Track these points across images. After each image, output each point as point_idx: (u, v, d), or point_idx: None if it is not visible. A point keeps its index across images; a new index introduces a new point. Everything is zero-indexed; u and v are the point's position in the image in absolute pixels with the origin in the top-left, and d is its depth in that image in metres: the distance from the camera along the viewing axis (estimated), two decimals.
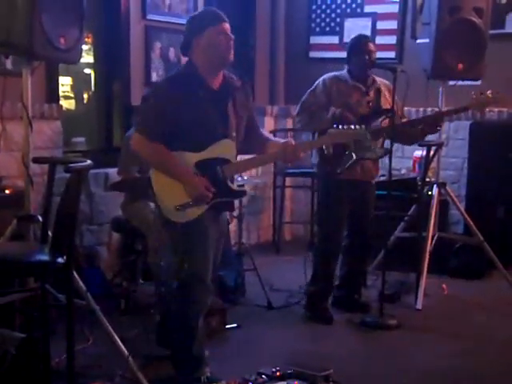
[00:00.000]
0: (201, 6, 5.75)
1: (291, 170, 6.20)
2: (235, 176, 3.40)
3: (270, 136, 3.45)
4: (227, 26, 3.15)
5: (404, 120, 4.45)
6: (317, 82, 4.37)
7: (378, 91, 4.38)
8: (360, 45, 4.32)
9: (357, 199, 4.39)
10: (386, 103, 4.36)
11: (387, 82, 4.39)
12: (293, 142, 3.28)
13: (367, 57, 4.27)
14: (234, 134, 3.18)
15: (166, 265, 3.41)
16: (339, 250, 4.46)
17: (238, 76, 3.28)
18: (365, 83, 4.35)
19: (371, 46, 4.34)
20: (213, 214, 3.22)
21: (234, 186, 3.24)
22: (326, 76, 4.38)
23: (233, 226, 5.28)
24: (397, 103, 4.27)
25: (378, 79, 4.42)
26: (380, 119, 4.32)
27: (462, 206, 5.29)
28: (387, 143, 4.34)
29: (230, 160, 3.18)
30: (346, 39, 5.86)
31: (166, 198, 3.14)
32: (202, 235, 3.16)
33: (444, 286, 4.98)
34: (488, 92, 4.44)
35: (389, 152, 4.34)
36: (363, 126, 3.24)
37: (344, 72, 4.39)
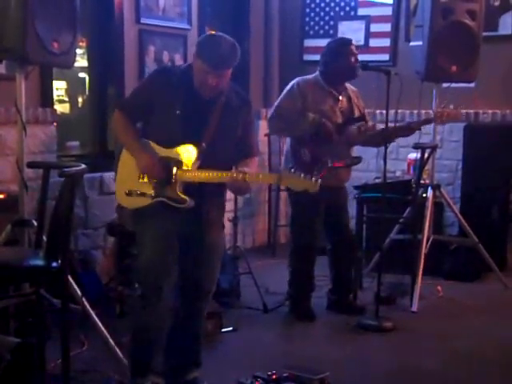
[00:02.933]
0: (195, 10, 5.74)
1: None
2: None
3: (247, 166, 3.19)
4: (226, 72, 3.04)
5: (370, 123, 4.52)
6: (290, 86, 4.33)
7: (349, 98, 4.41)
8: (346, 48, 4.32)
9: (331, 204, 4.41)
10: (355, 109, 4.42)
11: (353, 88, 4.47)
12: (245, 171, 3.07)
13: (353, 60, 4.28)
14: (204, 146, 3.10)
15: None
16: (315, 253, 4.47)
17: (242, 95, 3.25)
18: (337, 89, 4.37)
19: (354, 48, 4.35)
20: (169, 215, 3.13)
21: (181, 193, 3.12)
22: (300, 80, 4.35)
23: (228, 230, 5.28)
24: (362, 106, 4.43)
25: (346, 85, 4.45)
26: (353, 126, 4.39)
27: (456, 208, 5.31)
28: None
29: (188, 167, 3.11)
30: None
31: (122, 181, 3.21)
32: (149, 227, 3.12)
33: (439, 288, 4.98)
34: (450, 106, 4.56)
35: (360, 161, 4.45)
36: (319, 180, 2.97)
37: (316, 76, 4.37)
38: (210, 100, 3.12)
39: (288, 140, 4.43)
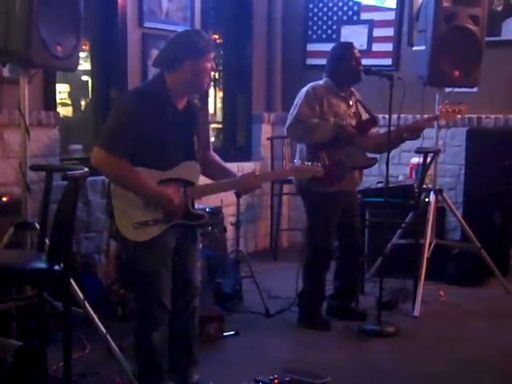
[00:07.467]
0: (198, 15, 5.76)
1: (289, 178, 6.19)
2: None
3: (222, 162, 3.36)
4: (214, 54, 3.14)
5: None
6: (305, 93, 4.25)
7: (357, 101, 4.41)
8: (349, 51, 4.31)
9: (346, 208, 4.39)
10: (362, 112, 4.42)
11: (354, 91, 4.46)
12: (255, 173, 3.30)
13: (356, 63, 4.28)
14: (199, 156, 3.14)
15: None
16: (330, 261, 4.43)
17: (197, 97, 3.23)
18: (347, 94, 4.37)
19: (357, 52, 4.35)
20: (170, 234, 3.11)
21: (194, 210, 3.14)
22: (313, 85, 4.30)
23: (230, 234, 5.28)
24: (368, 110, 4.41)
25: (352, 89, 4.44)
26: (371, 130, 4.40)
27: (459, 213, 5.30)
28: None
29: (194, 183, 3.12)
30: None
31: (126, 214, 3.04)
32: (156, 255, 3.05)
33: (441, 292, 4.97)
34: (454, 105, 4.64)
35: (376, 162, 4.41)
36: (319, 164, 3.36)
37: (327, 81, 4.33)
38: (185, 111, 3.12)
39: (303, 146, 4.33)
